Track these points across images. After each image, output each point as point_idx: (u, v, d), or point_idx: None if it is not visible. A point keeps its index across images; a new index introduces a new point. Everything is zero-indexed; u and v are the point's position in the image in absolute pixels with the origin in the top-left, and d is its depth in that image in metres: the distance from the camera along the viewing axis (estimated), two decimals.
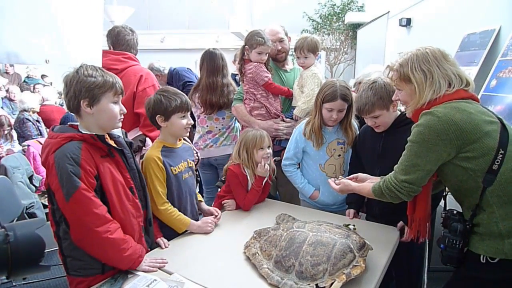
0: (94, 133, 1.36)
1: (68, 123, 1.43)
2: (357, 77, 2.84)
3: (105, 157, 1.39)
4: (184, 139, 1.94)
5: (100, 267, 1.38)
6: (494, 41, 2.84)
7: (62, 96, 1.46)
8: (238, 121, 2.79)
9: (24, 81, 7.63)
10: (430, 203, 1.53)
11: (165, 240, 1.66)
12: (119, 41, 2.41)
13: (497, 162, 1.25)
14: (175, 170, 1.77)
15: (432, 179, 1.46)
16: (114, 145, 1.44)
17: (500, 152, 1.25)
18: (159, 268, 1.45)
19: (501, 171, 1.25)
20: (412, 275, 1.95)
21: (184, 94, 1.77)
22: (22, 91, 6.28)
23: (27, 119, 4.48)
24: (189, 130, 1.82)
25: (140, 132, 2.28)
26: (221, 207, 2.08)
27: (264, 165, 2.02)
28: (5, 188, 2.61)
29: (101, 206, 1.32)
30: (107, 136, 1.45)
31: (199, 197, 2.01)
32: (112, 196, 1.37)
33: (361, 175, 1.72)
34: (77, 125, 1.41)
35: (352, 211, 1.98)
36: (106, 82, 1.38)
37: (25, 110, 4.53)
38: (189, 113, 1.79)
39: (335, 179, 1.75)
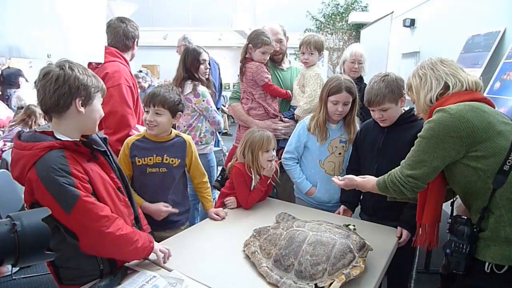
0: (76, 140, 1.28)
1: (37, 130, 1.31)
2: (343, 57, 2.94)
3: (89, 161, 1.32)
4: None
5: (98, 272, 1.35)
6: (499, 43, 2.82)
7: (42, 93, 1.26)
8: (206, 121, 2.74)
9: None
10: (440, 211, 1.50)
11: (152, 238, 1.61)
12: (109, 34, 2.36)
13: (509, 162, 1.22)
14: (139, 162, 1.80)
15: (444, 185, 1.45)
16: (96, 147, 1.37)
17: None
18: (162, 262, 1.44)
19: None
20: (401, 274, 1.95)
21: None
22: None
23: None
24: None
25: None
26: (223, 206, 2.08)
27: (271, 166, 2.03)
28: (6, 182, 2.61)
29: (105, 207, 1.27)
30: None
31: (209, 202, 2.01)
32: (105, 200, 1.31)
33: (369, 177, 1.71)
34: (51, 131, 1.29)
35: (342, 207, 2.01)
36: (98, 82, 1.34)
37: (22, 107, 4.51)
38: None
39: (339, 176, 1.76)
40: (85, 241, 1.25)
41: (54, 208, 1.17)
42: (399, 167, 1.45)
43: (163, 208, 1.80)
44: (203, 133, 2.73)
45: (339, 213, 2.03)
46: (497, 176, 1.24)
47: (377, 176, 1.87)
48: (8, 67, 7.99)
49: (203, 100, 2.64)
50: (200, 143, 2.72)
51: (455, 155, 1.30)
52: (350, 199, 2.04)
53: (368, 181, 1.62)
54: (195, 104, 2.64)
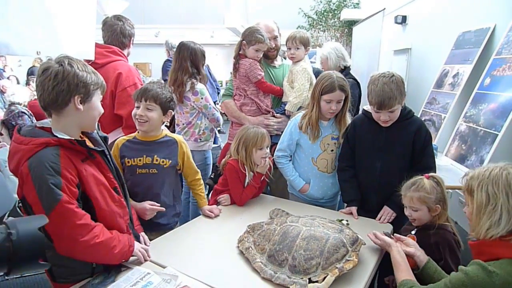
0: (72, 138, 1.26)
1: (37, 125, 1.30)
2: (321, 55, 3.08)
3: (85, 160, 1.29)
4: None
5: (90, 271, 1.35)
6: (489, 39, 2.85)
7: (40, 89, 1.25)
8: (205, 118, 2.73)
9: None
10: None
11: (146, 238, 1.62)
12: (105, 31, 2.34)
13: None
14: (129, 162, 1.79)
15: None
16: (93, 146, 1.35)
17: None
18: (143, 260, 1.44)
19: None
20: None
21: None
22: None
23: (22, 112, 4.40)
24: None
25: (122, 134, 2.18)
26: (217, 203, 2.08)
27: (264, 164, 2.03)
28: None
29: (84, 215, 1.24)
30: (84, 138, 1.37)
31: (203, 199, 1.99)
32: (98, 201, 1.30)
33: (409, 240, 1.49)
34: (49, 127, 1.28)
35: (354, 208, 1.95)
36: (98, 79, 1.33)
37: (14, 104, 4.43)
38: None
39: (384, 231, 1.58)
40: (59, 246, 1.24)
41: (36, 206, 1.18)
42: None
43: (147, 206, 1.75)
44: (203, 130, 2.72)
45: (350, 213, 1.95)
46: None
47: (380, 176, 1.89)
48: (33, 66, 7.98)
49: (202, 98, 2.62)
50: (199, 140, 2.72)
51: None
52: (353, 197, 2.00)
53: (400, 267, 1.37)
54: (193, 102, 2.63)
